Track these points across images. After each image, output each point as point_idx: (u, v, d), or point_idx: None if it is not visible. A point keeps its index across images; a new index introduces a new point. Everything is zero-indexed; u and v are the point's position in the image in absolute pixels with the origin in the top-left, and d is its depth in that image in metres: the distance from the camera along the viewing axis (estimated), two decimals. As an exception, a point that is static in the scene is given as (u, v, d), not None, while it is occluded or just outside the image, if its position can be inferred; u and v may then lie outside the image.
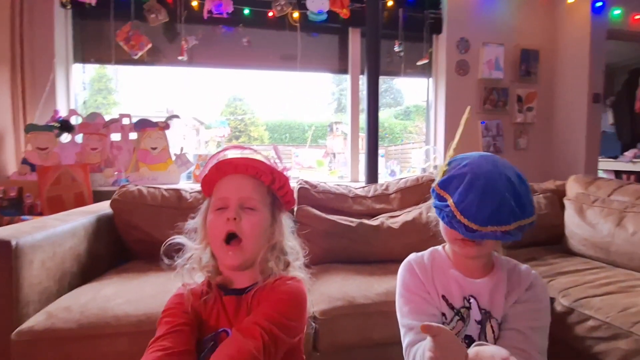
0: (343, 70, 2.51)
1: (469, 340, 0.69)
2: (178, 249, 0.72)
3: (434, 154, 2.58)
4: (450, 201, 0.64)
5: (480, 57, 2.47)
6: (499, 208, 0.61)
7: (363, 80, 2.36)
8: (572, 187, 1.72)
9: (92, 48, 2.22)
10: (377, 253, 1.51)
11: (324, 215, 1.55)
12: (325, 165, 3.19)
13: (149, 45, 2.14)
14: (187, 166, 2.22)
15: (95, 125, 2.10)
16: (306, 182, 1.73)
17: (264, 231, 0.69)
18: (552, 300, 1.16)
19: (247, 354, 0.56)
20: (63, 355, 0.96)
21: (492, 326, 0.69)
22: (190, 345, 0.62)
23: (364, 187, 1.84)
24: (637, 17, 2.52)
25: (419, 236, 1.48)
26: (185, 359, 0.59)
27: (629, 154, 3.47)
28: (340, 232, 1.51)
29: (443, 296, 0.72)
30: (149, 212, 1.49)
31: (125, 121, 2.14)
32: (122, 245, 1.51)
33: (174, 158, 2.19)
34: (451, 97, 2.48)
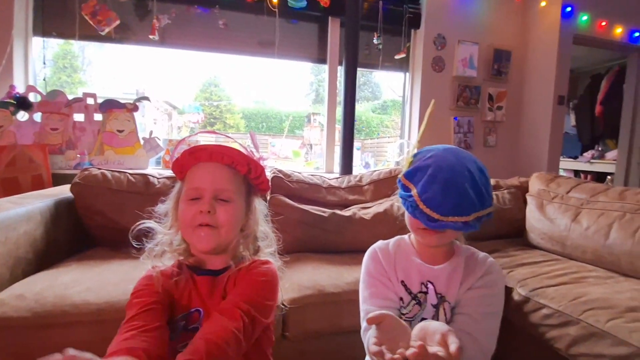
0: (322, 59, 2.49)
1: None
2: (147, 233, 0.70)
3: (408, 148, 2.63)
4: (414, 191, 0.66)
5: (456, 55, 2.52)
6: (460, 200, 0.63)
7: (341, 72, 2.35)
8: (535, 183, 1.81)
9: (54, 21, 2.06)
10: (348, 243, 1.52)
11: (296, 204, 1.54)
12: (302, 156, 3.18)
13: (117, 22, 2.02)
14: (157, 151, 2.13)
15: (56, 104, 1.97)
16: (280, 171, 1.71)
17: (238, 221, 0.68)
18: (511, 290, 1.23)
19: (230, 334, 0.57)
20: (16, 346, 0.91)
21: (444, 309, 0.72)
22: (163, 322, 0.61)
23: (337, 178, 1.85)
24: (603, 23, 2.66)
25: (390, 227, 1.51)
26: (158, 334, 0.58)
27: (587, 154, 3.69)
28: (313, 222, 1.51)
29: (402, 282, 0.74)
30: (114, 197, 1.42)
31: (90, 101, 2.03)
32: (84, 232, 1.44)
33: (142, 142, 2.09)
34: (426, 92, 2.53)
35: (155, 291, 0.64)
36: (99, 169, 1.51)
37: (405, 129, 2.73)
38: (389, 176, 1.79)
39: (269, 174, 1.73)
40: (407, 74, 2.66)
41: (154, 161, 2.20)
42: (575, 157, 3.82)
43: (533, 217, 1.67)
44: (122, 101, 2.09)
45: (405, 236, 0.82)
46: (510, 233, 1.76)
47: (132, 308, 0.62)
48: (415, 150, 0.73)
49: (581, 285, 1.18)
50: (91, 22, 1.98)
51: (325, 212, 1.55)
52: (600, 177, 3.50)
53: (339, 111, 2.46)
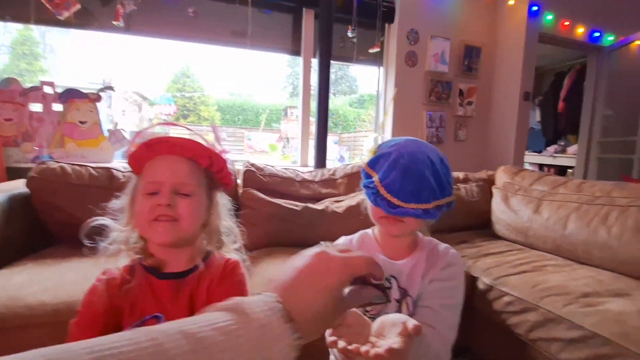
0: (296, 51, 2.46)
1: None
2: (102, 231, 0.65)
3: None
4: (375, 178, 0.66)
5: (428, 50, 2.56)
6: (420, 185, 0.64)
7: (316, 64, 2.32)
8: (501, 176, 1.88)
9: (6, 3, 1.91)
10: (321, 237, 1.50)
11: (268, 198, 1.53)
12: (279, 150, 3.15)
13: (77, 6, 1.90)
14: (123, 143, 2.04)
15: (10, 93, 1.83)
16: (252, 164, 1.69)
17: (200, 215, 0.65)
18: (476, 279, 1.27)
19: None
20: (-39, 351, 0.85)
21: (407, 304, 0.72)
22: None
23: (311, 171, 1.84)
24: (566, 23, 2.77)
25: (363, 220, 1.52)
26: None
27: (551, 149, 3.87)
28: (285, 216, 1.50)
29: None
30: (74, 191, 1.35)
31: (48, 90, 1.90)
32: (41, 229, 1.36)
33: (106, 134, 2.00)
34: (400, 86, 2.55)
35: (96, 313, 0.60)
36: (58, 162, 1.43)
37: (379, 123, 2.75)
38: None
39: (240, 168, 1.70)
40: (382, 68, 2.68)
41: (120, 154, 2.11)
42: (540, 152, 4.00)
43: (498, 209, 1.74)
44: (85, 91, 1.98)
45: (369, 230, 0.82)
46: (478, 224, 1.83)
47: (73, 330, 0.59)
48: (380, 140, 0.73)
49: (541, 274, 1.24)
50: (48, 6, 1.85)
51: (298, 205, 1.54)
52: (562, 170, 3.69)
53: (314, 104, 2.44)
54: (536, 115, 4.26)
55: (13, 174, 1.68)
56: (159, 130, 0.72)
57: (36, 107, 1.90)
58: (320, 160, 2.21)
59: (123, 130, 2.06)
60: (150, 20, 2.12)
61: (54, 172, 1.36)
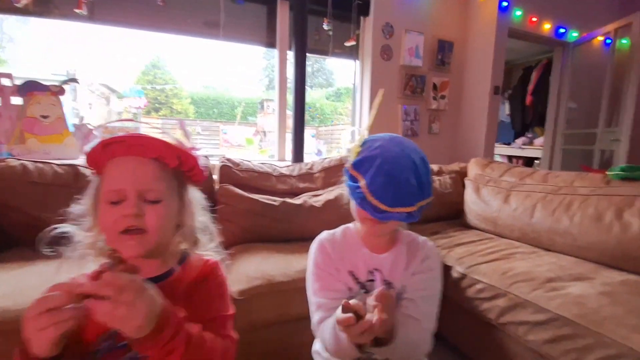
0: (271, 43, 2.41)
1: None
2: (66, 237, 0.60)
3: (359, 135, 2.67)
4: (362, 183, 0.66)
5: (403, 44, 2.59)
6: (405, 191, 0.66)
7: (291, 57, 2.30)
8: (472, 168, 1.94)
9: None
10: (299, 231, 1.52)
11: (245, 194, 1.51)
12: (256, 144, 3.11)
13: (35, -8, 1.78)
14: (90, 139, 1.93)
15: (-39, 85, 1.70)
16: (228, 159, 1.66)
17: (171, 221, 0.60)
18: (450, 268, 1.32)
19: (220, 349, 0.56)
20: None
21: None
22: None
23: (289, 166, 1.83)
24: (534, 19, 2.88)
25: (341, 214, 1.53)
26: None
27: (519, 141, 4.03)
28: (263, 211, 1.49)
29: (350, 271, 0.76)
30: (36, 191, 1.28)
31: (5, 82, 1.78)
32: (1, 232, 1.27)
33: (72, 129, 1.90)
34: (376, 80, 2.57)
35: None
36: (19, 159, 1.35)
37: (356, 116, 2.77)
38: (339, 163, 1.81)
39: (216, 163, 1.67)
40: (357, 61, 2.69)
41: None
42: (509, 144, 4.16)
43: (470, 200, 1.80)
44: (47, 83, 1.86)
45: (351, 224, 0.83)
46: (450, 215, 1.89)
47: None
48: (364, 138, 0.73)
49: (509, 261, 1.30)
50: (2, -9, 1.72)
51: (276, 200, 1.53)
52: (529, 161, 3.86)
53: (291, 97, 2.42)
54: (505, 109, 4.42)
55: (-33, 172, 1.57)
56: (130, 126, 0.68)
57: (-8, 100, 1.77)
58: (298, 154, 2.20)
59: (90, 124, 1.96)
60: (116, 8, 2.02)
61: (13, 170, 1.28)
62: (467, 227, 1.79)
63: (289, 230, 1.52)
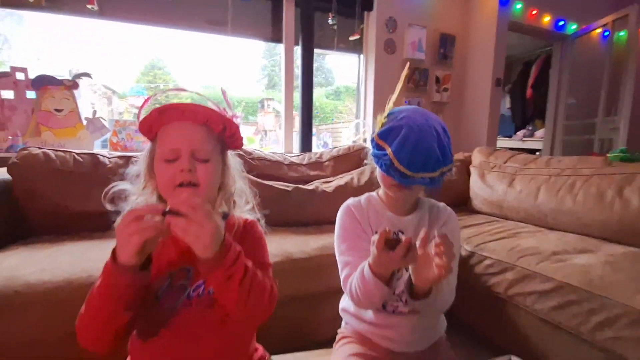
0: (276, 39, 2.46)
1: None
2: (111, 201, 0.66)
3: (364, 127, 2.72)
4: (389, 150, 0.71)
5: (406, 38, 2.64)
6: (429, 157, 0.71)
7: (297, 52, 2.34)
8: (477, 156, 2.00)
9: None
10: (311, 216, 1.57)
11: (259, 180, 1.55)
12: (256, 143, 3.14)
13: (49, -12, 1.82)
14: (102, 132, 1.99)
15: (-22, 79, 1.74)
16: (241, 148, 1.70)
17: (217, 179, 0.68)
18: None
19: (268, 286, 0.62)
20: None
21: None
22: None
23: (299, 155, 1.88)
24: (533, 12, 2.93)
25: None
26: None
27: (520, 134, 4.09)
28: (276, 197, 1.53)
29: (376, 232, 0.81)
30: (59, 178, 1.32)
31: (20, 76, 1.82)
32: (20, 221, 1.30)
33: (85, 122, 1.94)
34: (380, 74, 2.62)
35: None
36: (40, 148, 1.39)
37: (360, 111, 2.82)
38: (348, 152, 1.86)
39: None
40: (361, 56, 2.73)
41: (99, 143, 2.05)
42: (510, 136, 4.22)
43: (476, 186, 1.85)
44: (59, 77, 1.91)
45: (374, 193, 0.88)
46: (457, 202, 1.93)
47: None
48: (389, 110, 0.78)
49: (516, 239, 1.35)
50: (16, -13, 1.77)
51: (289, 186, 1.58)
52: (531, 153, 3.89)
53: (296, 94, 2.46)
54: (506, 102, 4.47)
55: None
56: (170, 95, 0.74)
57: (7, 94, 1.82)
58: (306, 146, 2.24)
59: (102, 118, 2.00)
60: (126, 4, 2.07)
61: (36, 159, 1.32)
62: (474, 211, 1.85)
63: (302, 215, 1.57)
